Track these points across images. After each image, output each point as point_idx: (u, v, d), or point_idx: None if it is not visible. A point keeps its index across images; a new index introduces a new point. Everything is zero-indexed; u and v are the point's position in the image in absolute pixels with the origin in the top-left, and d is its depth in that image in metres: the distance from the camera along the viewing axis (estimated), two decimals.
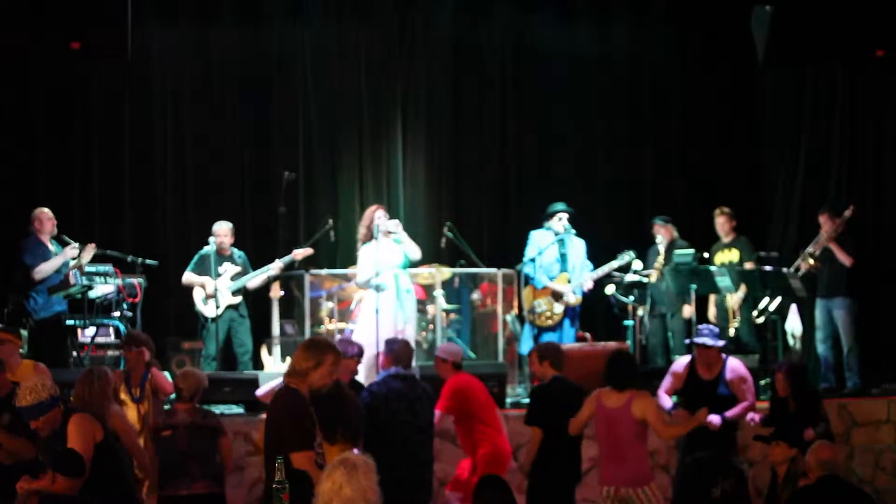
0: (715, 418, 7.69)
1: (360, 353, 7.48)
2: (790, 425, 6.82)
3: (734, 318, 10.78)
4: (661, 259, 10.79)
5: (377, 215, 9.97)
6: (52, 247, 10.22)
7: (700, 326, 8.29)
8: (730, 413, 7.80)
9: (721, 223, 11.03)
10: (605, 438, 7.36)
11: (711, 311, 11.09)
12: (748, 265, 10.75)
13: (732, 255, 10.94)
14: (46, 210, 10.24)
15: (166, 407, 7.69)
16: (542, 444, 7.55)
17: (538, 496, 7.59)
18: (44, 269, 10.00)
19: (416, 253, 10.00)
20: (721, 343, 7.96)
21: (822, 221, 10.45)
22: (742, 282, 10.62)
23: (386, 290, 9.75)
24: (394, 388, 7.27)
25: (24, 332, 9.99)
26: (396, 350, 7.53)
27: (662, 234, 11.05)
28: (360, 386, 7.56)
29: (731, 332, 10.77)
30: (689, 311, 10.66)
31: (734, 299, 10.80)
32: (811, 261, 10.36)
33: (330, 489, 4.49)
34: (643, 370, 9.66)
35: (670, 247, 10.94)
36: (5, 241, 10.67)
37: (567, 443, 7.57)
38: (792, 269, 10.44)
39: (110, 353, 10.34)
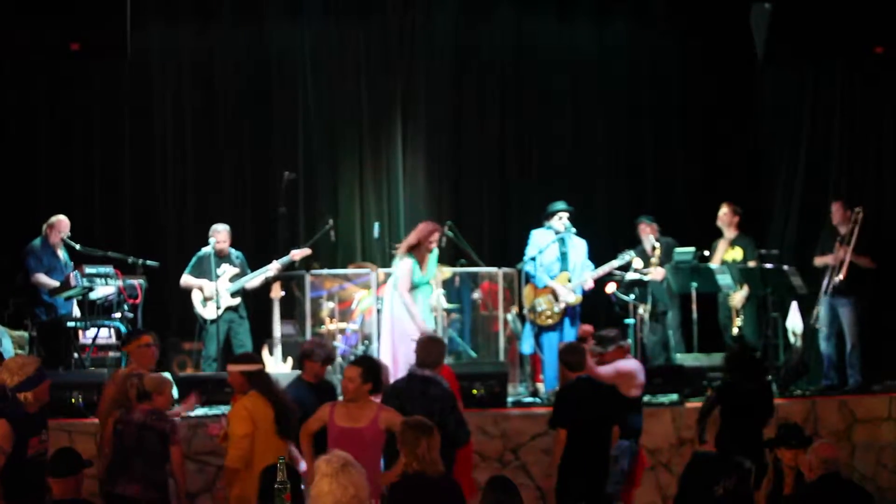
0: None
1: (328, 358, 7.55)
2: (795, 427, 6.72)
3: (737, 316, 10.75)
4: (658, 254, 10.75)
5: (434, 238, 9.69)
6: (61, 254, 10.23)
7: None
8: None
9: (721, 215, 10.96)
10: None
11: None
12: (751, 264, 10.69)
13: (736, 254, 10.91)
14: (65, 220, 10.25)
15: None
16: (568, 444, 7.40)
17: (567, 497, 7.43)
18: (40, 280, 10.03)
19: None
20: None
21: (833, 210, 10.44)
22: (744, 280, 10.61)
23: (422, 303, 9.66)
24: (404, 387, 7.12)
25: (25, 334, 10.01)
26: (416, 350, 7.37)
27: (649, 233, 11.03)
28: (331, 386, 7.66)
29: (735, 331, 10.74)
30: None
31: (737, 298, 10.76)
32: (841, 275, 10.29)
33: (322, 491, 4.47)
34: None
35: (662, 244, 10.88)
36: (5, 241, 10.66)
37: (595, 443, 7.46)
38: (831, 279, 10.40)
39: (111, 354, 10.33)
